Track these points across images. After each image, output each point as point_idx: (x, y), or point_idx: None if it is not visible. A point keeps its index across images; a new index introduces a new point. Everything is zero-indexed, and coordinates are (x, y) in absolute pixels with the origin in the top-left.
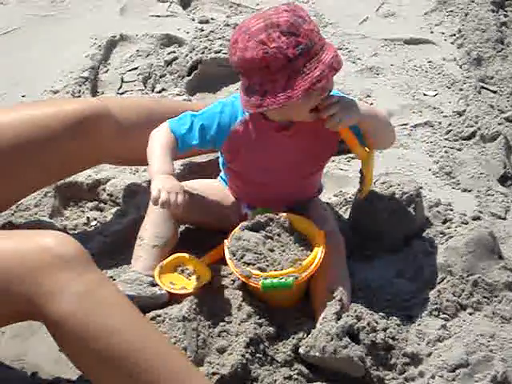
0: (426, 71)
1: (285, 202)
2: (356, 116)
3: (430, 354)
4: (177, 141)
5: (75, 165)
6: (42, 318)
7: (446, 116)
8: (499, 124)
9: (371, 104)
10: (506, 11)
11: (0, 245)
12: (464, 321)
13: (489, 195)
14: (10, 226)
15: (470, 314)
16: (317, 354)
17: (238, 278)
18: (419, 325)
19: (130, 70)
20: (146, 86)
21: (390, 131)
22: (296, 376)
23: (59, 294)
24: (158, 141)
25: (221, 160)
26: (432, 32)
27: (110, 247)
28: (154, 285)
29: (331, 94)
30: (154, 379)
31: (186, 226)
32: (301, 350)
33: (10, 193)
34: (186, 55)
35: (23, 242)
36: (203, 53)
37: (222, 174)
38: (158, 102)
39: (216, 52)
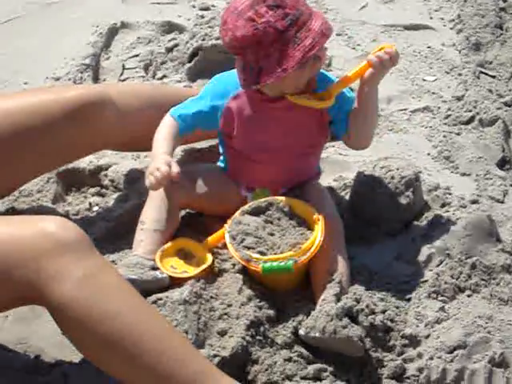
0: (426, 56)
1: (283, 183)
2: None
3: (428, 336)
4: (177, 123)
5: (76, 151)
6: (44, 303)
7: (444, 101)
8: (498, 108)
9: None
10: None
11: (1, 230)
12: (462, 303)
13: (487, 179)
14: (12, 211)
15: (468, 296)
16: (317, 334)
17: (239, 262)
18: (418, 307)
19: (131, 57)
20: (147, 73)
21: (372, 132)
22: (296, 358)
23: (61, 279)
24: (159, 128)
25: (220, 143)
26: (431, 17)
27: (112, 232)
28: (155, 268)
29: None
30: (156, 362)
31: (187, 210)
32: (301, 332)
33: (11, 179)
34: (187, 42)
35: (25, 227)
36: (204, 39)
37: (221, 158)
38: (159, 89)
39: (217, 39)
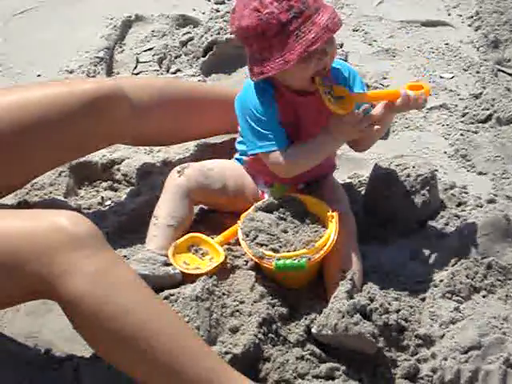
0: (443, 53)
1: (303, 178)
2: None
3: (442, 336)
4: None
5: (89, 144)
6: (55, 298)
7: (462, 99)
8: None
9: (387, 86)
10: None
11: (14, 224)
12: (477, 303)
13: (504, 178)
14: (24, 204)
15: (484, 296)
16: (329, 332)
17: (251, 259)
18: (432, 307)
19: (145, 51)
20: (161, 67)
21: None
22: (308, 356)
23: (73, 274)
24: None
25: (238, 140)
26: (449, 14)
27: (124, 227)
28: (167, 264)
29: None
30: (168, 358)
31: (200, 206)
32: (313, 330)
33: (24, 172)
34: (202, 36)
35: (37, 221)
36: (218, 34)
37: (237, 155)
38: (173, 83)
39: (231, 33)
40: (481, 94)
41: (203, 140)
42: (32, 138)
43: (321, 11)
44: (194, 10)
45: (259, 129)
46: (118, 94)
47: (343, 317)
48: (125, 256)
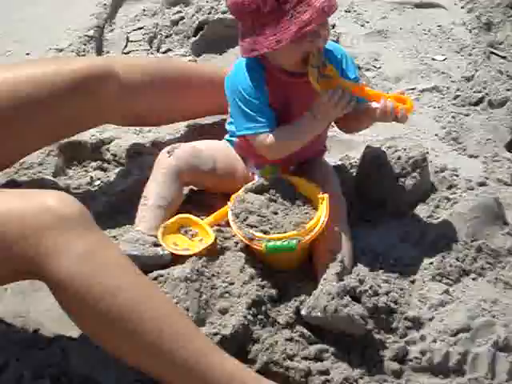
0: (435, 35)
1: (295, 158)
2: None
3: (431, 319)
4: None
5: (79, 124)
6: (43, 278)
7: (454, 81)
8: (507, 90)
9: (379, 67)
10: None
11: (1, 204)
12: (467, 286)
13: (495, 161)
14: (13, 184)
15: (473, 279)
16: (318, 314)
17: (241, 240)
18: (422, 289)
19: (135, 30)
20: (151, 46)
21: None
22: (297, 338)
23: (61, 255)
24: (276, 144)
25: (228, 121)
26: None
27: (114, 207)
28: (157, 245)
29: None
30: (157, 339)
31: (190, 187)
32: (302, 311)
33: (12, 151)
34: (193, 15)
35: (25, 201)
36: (210, 13)
37: (227, 136)
38: (164, 63)
39: (223, 13)
40: (473, 76)
41: (194, 121)
42: (21, 116)
43: None
44: None
45: (247, 110)
46: (109, 73)
47: (333, 299)
48: (114, 237)
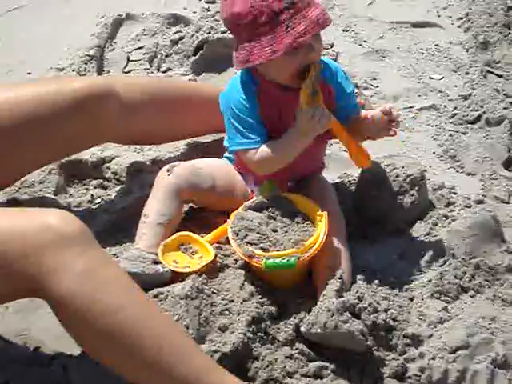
0: (433, 54)
1: (291, 176)
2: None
3: (430, 336)
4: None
5: (79, 143)
6: (44, 297)
7: (451, 99)
8: (504, 108)
9: (377, 86)
10: None
11: (2, 223)
12: (465, 303)
13: (493, 179)
14: (14, 202)
15: (472, 296)
16: (318, 330)
17: (241, 258)
18: (420, 306)
19: (136, 49)
20: (151, 65)
21: None
22: (297, 355)
23: (61, 273)
24: (265, 159)
25: (226, 138)
26: (439, 15)
27: (114, 225)
28: (157, 262)
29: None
30: (156, 357)
31: (190, 205)
32: (302, 328)
33: (14, 169)
34: (192, 35)
35: (26, 220)
36: (209, 33)
37: (226, 153)
38: (164, 82)
39: (222, 32)
40: (470, 95)
41: (194, 139)
42: (22, 135)
43: (312, 6)
44: (185, 9)
45: (239, 126)
46: (109, 92)
47: (332, 315)
48: (114, 254)
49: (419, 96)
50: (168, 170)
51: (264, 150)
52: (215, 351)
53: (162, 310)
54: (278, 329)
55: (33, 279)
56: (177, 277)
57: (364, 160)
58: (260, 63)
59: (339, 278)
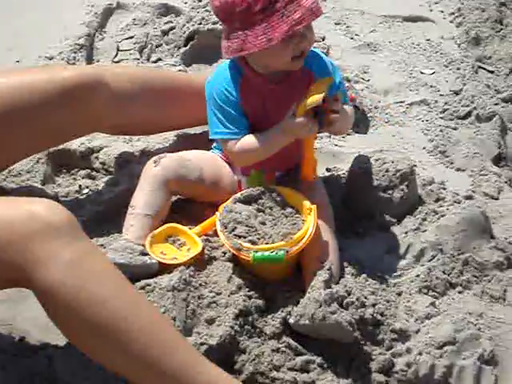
0: (424, 49)
1: (278, 167)
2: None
3: (417, 331)
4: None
5: (68, 132)
6: (30, 287)
7: (442, 95)
8: (495, 104)
9: (368, 80)
10: None
11: None
12: (453, 299)
13: (482, 175)
14: (1, 191)
15: (460, 292)
16: (306, 321)
17: (229, 251)
18: (408, 301)
19: (126, 39)
20: (141, 56)
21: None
22: (284, 349)
23: (48, 263)
24: (246, 150)
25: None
26: (431, 10)
27: (102, 216)
28: (144, 254)
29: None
30: (143, 349)
31: (178, 196)
32: (290, 320)
33: (2, 158)
34: (183, 25)
35: (13, 209)
36: (200, 23)
37: (215, 144)
38: (154, 73)
39: (213, 23)
40: (461, 90)
41: (183, 130)
42: (10, 124)
43: None
44: None
45: (220, 115)
46: (99, 82)
47: (320, 306)
48: (102, 245)
49: (410, 91)
50: (155, 162)
51: (244, 141)
52: (202, 344)
53: (149, 301)
54: (266, 322)
55: (19, 268)
56: (164, 268)
57: (311, 175)
58: (254, 52)
59: (327, 269)
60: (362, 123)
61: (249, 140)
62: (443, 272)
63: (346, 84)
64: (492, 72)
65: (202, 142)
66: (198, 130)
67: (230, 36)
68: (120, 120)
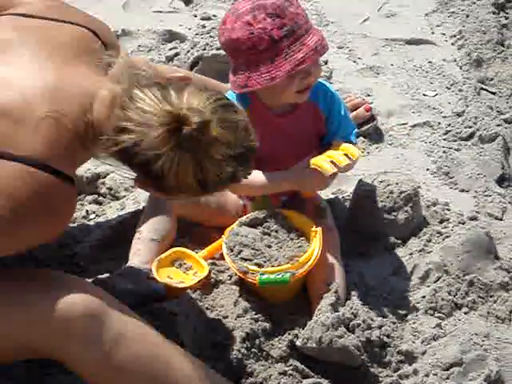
0: (426, 71)
1: (284, 192)
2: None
3: (424, 353)
4: None
5: None
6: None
7: (445, 116)
8: (498, 125)
9: (371, 103)
10: (506, 13)
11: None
12: (459, 320)
13: (486, 196)
14: None
15: (465, 313)
16: (313, 345)
17: (235, 274)
18: (414, 323)
19: None
20: None
21: None
22: (291, 372)
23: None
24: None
25: None
26: (433, 33)
27: (109, 240)
28: (151, 278)
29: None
30: None
31: (185, 220)
32: (297, 343)
33: None
34: (188, 51)
35: (51, 302)
36: (204, 49)
37: None
38: None
39: (217, 49)
40: (463, 111)
41: None
42: None
43: (311, 33)
44: (181, 25)
45: None
46: None
47: (328, 330)
48: (109, 270)
49: (413, 113)
50: None
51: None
52: (210, 368)
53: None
54: (272, 345)
55: (53, 357)
56: (171, 292)
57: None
58: (258, 89)
59: (334, 293)
60: (376, 132)
61: (254, 175)
62: (449, 293)
63: (358, 99)
64: (494, 93)
65: None
66: None
67: (235, 71)
68: None
